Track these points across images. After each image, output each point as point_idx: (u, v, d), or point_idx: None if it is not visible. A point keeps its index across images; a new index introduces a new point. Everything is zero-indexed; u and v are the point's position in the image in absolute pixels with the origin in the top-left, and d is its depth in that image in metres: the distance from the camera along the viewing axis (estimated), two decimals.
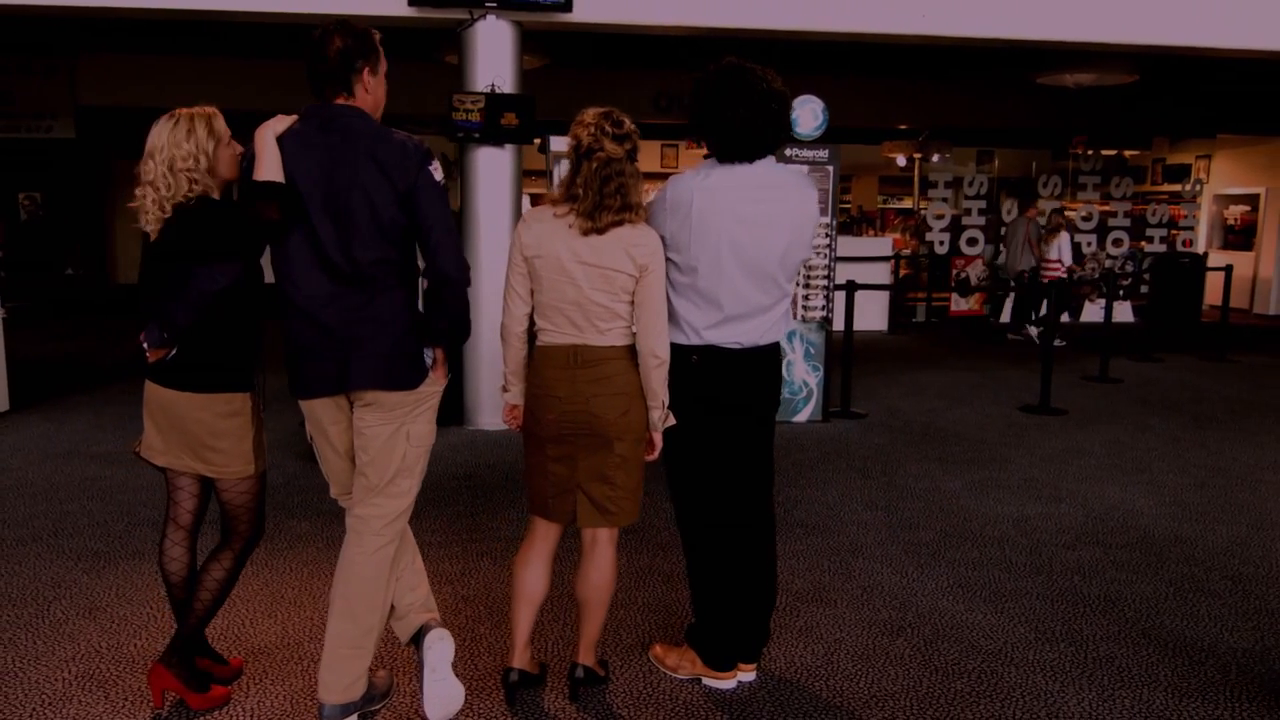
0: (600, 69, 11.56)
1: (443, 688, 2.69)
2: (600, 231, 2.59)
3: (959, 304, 12.97)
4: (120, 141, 14.51)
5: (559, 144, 6.28)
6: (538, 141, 6.29)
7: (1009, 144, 13.81)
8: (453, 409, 6.43)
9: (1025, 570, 4.00)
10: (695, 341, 2.79)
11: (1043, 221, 11.40)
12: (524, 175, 6.56)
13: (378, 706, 2.82)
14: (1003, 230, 12.11)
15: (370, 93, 2.61)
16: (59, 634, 3.32)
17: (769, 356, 2.89)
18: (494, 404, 6.42)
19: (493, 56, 6.06)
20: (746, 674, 3.03)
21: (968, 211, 13.05)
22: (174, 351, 2.68)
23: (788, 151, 6.50)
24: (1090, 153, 13.38)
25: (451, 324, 2.65)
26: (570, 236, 2.62)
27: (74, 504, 4.73)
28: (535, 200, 5.61)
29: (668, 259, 2.75)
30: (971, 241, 13.04)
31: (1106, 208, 13.39)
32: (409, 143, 2.57)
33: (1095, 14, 6.67)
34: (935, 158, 14.22)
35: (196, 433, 2.70)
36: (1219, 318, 10.04)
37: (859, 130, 13.44)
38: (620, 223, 2.60)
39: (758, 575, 2.96)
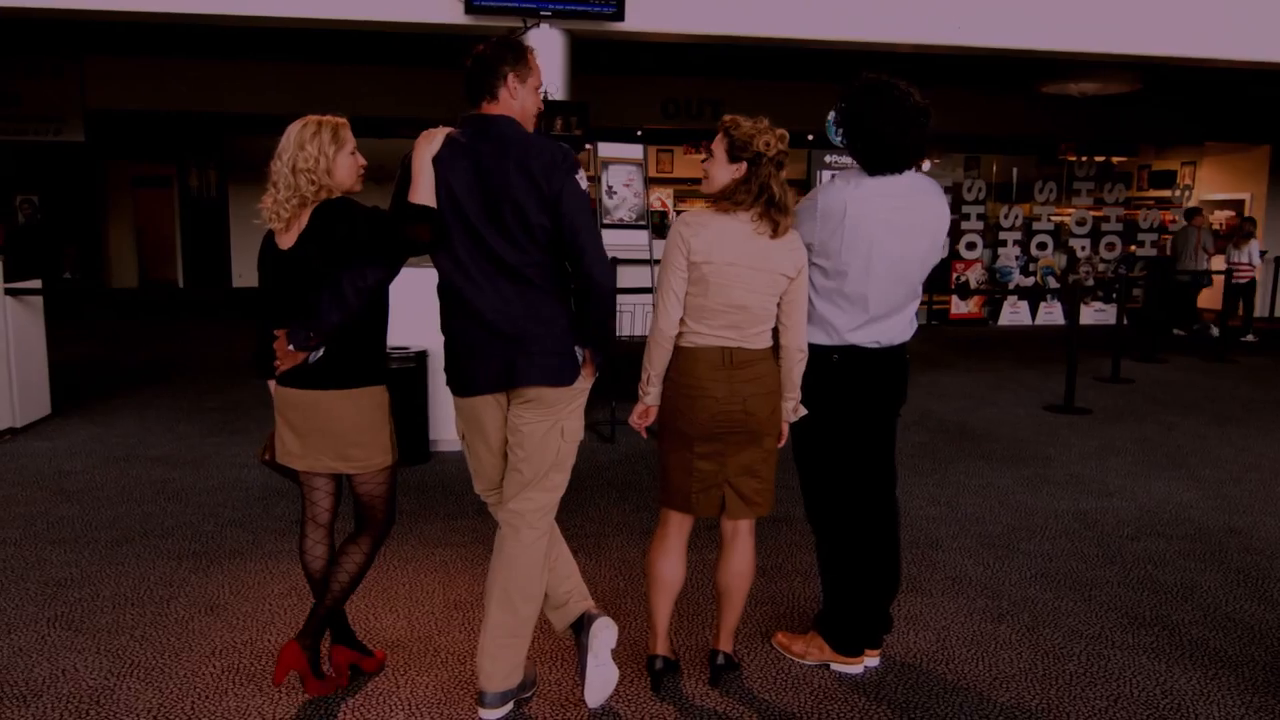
0: (613, 74, 11.69)
1: (603, 672, 2.81)
2: (774, 235, 2.72)
3: (959, 307, 13.25)
4: (129, 144, 14.46)
5: (607, 150, 6.41)
6: (588, 147, 6.39)
7: (996, 150, 14.13)
8: None
9: (1098, 560, 4.18)
10: (837, 342, 2.93)
11: (1212, 228, 12.79)
12: None
13: (528, 694, 2.93)
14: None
15: (517, 99, 2.71)
16: (188, 631, 3.38)
17: (900, 355, 3.04)
18: None
19: (544, 64, 6.15)
20: (872, 659, 3.17)
21: (966, 216, 13.34)
22: (320, 352, 2.75)
23: (827, 158, 6.70)
24: (1084, 159, 13.73)
25: (598, 325, 2.75)
26: (745, 241, 2.72)
27: (153, 506, 4.77)
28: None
29: (812, 264, 2.89)
30: (970, 245, 13.33)
31: (1099, 213, 13.74)
32: (558, 151, 2.68)
33: (1115, 26, 6.93)
34: (925, 165, 14.53)
35: (341, 430, 2.77)
36: (1209, 320, 10.39)
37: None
38: (787, 228, 2.74)
39: (885, 562, 3.11)
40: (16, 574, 3.87)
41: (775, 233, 2.73)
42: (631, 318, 6.37)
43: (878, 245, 2.84)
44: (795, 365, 2.84)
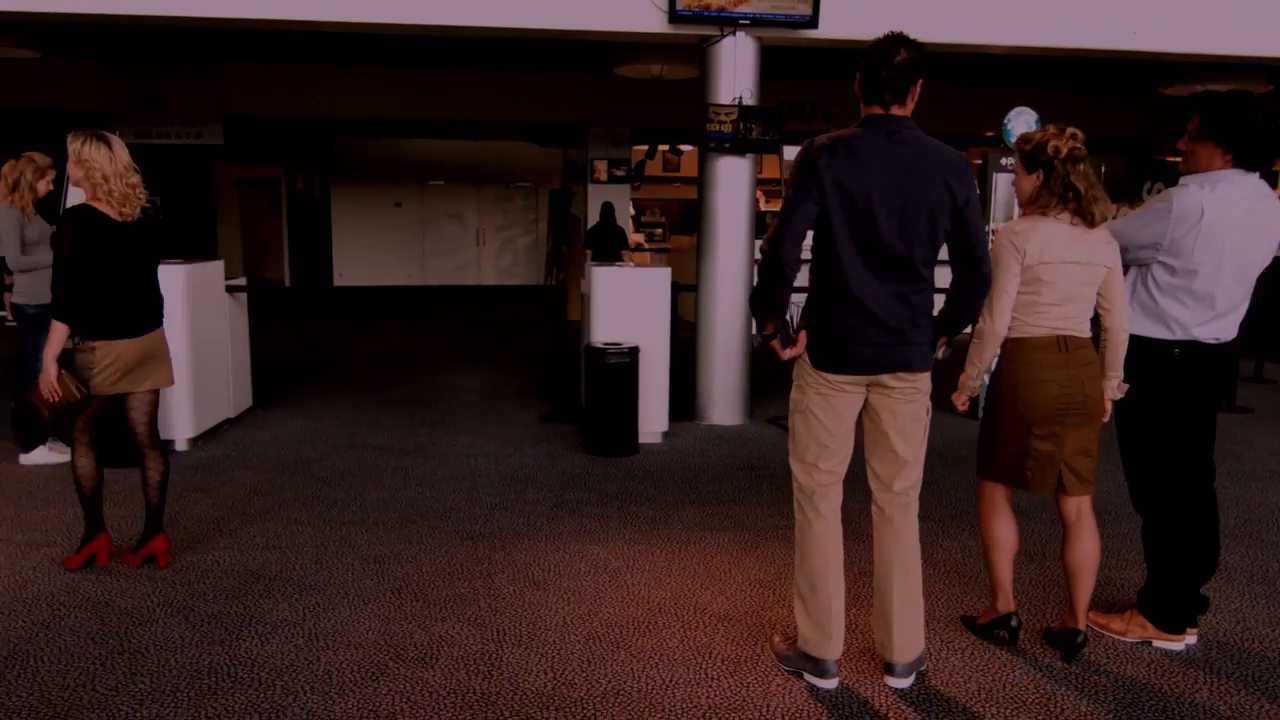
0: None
1: None
2: (1092, 225, 2.98)
3: None
4: (253, 148, 14.93)
5: (792, 153, 6.61)
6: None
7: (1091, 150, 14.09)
8: (687, 406, 6.75)
9: None
10: (1180, 336, 3.12)
11: None
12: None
13: (924, 667, 3.13)
14: None
15: (914, 103, 2.87)
16: (526, 603, 3.61)
17: (1230, 351, 3.23)
18: (726, 400, 6.73)
19: (738, 71, 6.40)
20: (1191, 637, 3.35)
21: None
22: None
23: (1003, 160, 6.87)
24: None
25: (970, 319, 3.03)
26: (1068, 238, 2.98)
27: (411, 490, 5.03)
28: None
29: (1160, 262, 3.09)
30: None
31: None
32: (961, 158, 2.89)
33: (1250, 28, 6.96)
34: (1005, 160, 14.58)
35: (164, 354, 3.89)
36: None
37: (956, 137, 13.77)
38: (1102, 220, 2.99)
39: (1209, 544, 3.30)
40: (332, 552, 4.15)
41: (1092, 224, 3.00)
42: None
43: (1229, 246, 3.03)
44: (1120, 346, 3.12)
